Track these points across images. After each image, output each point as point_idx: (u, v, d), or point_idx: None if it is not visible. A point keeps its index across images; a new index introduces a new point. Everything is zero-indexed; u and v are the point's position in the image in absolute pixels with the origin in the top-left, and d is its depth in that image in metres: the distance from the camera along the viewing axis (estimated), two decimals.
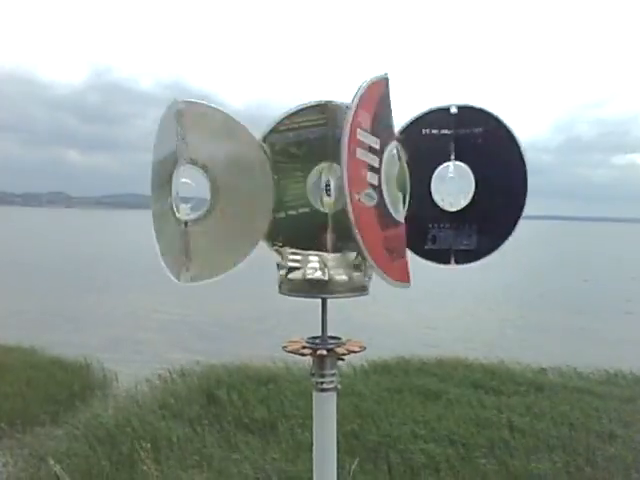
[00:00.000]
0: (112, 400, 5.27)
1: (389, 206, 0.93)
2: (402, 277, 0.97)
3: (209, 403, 4.68)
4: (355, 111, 0.86)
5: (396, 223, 0.95)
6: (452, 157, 1.08)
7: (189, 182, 0.99)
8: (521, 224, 1.09)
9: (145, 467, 2.88)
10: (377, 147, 0.90)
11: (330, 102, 0.98)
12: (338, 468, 1.05)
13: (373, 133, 0.89)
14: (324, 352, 0.98)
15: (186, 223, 1.00)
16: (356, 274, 0.95)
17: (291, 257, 0.97)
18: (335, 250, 0.98)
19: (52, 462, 1.88)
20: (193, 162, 0.99)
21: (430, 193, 1.10)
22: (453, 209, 1.10)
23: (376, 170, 0.89)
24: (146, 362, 6.73)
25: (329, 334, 1.04)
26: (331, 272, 0.94)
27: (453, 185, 1.09)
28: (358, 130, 0.86)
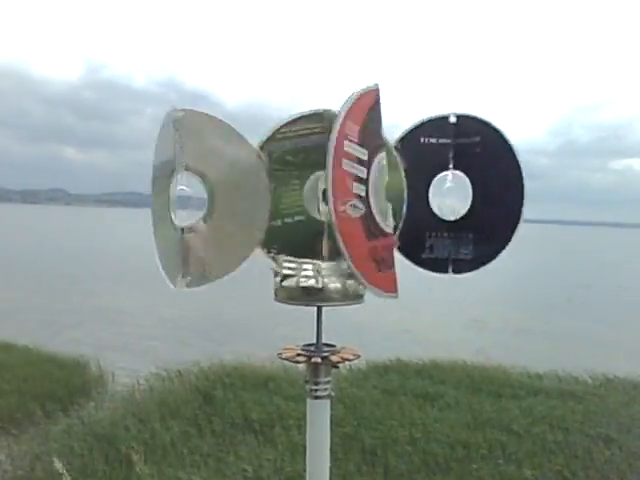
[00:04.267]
0: (109, 399, 5.28)
1: (377, 217, 0.94)
2: (390, 288, 0.97)
3: (206, 403, 4.68)
4: (342, 123, 0.88)
5: (385, 234, 0.95)
6: (451, 166, 1.08)
7: (185, 189, 1.00)
8: (519, 231, 1.09)
9: (139, 470, 2.89)
10: (365, 158, 0.91)
11: (327, 111, 0.99)
12: (331, 473, 1.05)
13: (361, 144, 0.90)
14: (318, 360, 0.99)
15: (183, 229, 1.01)
16: (350, 282, 0.96)
17: (285, 264, 0.97)
18: (330, 258, 0.99)
19: (55, 459, 1.90)
20: (190, 170, 0.99)
21: (428, 202, 1.10)
22: (451, 218, 1.10)
23: (363, 181, 0.91)
24: (143, 361, 6.73)
25: (326, 338, 1.05)
26: (325, 280, 0.95)
27: (451, 194, 1.09)
28: (345, 142, 0.88)
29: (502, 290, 16.57)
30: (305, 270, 0.96)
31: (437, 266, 1.10)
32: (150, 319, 10.23)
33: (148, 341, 8.45)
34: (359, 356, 1.02)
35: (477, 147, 1.07)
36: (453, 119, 1.07)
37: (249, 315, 10.49)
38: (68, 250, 24.98)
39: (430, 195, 1.09)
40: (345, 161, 0.88)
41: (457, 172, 1.08)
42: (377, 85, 0.92)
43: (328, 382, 1.01)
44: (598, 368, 6.35)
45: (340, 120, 0.88)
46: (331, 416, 1.04)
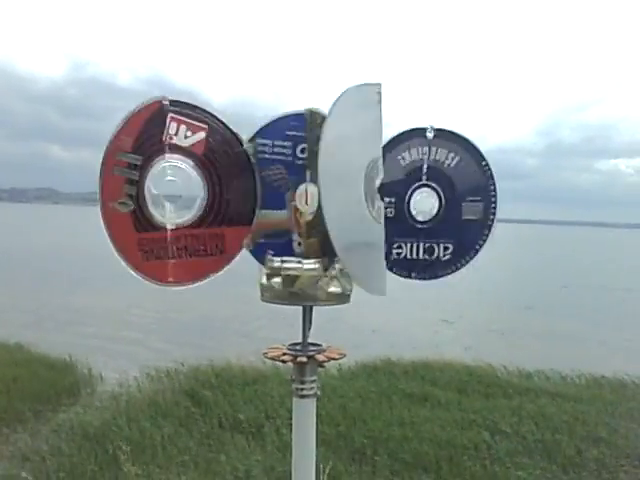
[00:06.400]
0: (98, 399, 5.25)
1: (149, 213, 1.04)
2: (157, 276, 1.06)
3: (195, 403, 4.67)
4: (116, 136, 1.02)
5: (156, 228, 1.05)
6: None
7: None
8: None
9: (125, 469, 2.88)
10: (138, 164, 1.03)
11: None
12: (318, 471, 1.06)
13: (135, 152, 1.03)
14: (304, 359, 0.99)
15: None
16: (335, 282, 0.96)
17: (269, 264, 0.97)
18: (314, 257, 0.98)
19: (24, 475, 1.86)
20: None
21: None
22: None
23: (135, 183, 1.03)
24: (132, 361, 6.70)
25: (314, 338, 1.05)
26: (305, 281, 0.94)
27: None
28: (117, 152, 1.02)
29: (489, 290, 16.58)
30: (287, 270, 0.96)
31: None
32: (137, 319, 10.15)
33: (137, 341, 8.40)
34: (344, 355, 1.03)
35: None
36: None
37: (238, 314, 10.46)
38: (55, 249, 24.76)
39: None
40: (116, 167, 1.02)
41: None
42: (161, 98, 1.01)
43: (314, 381, 1.02)
44: (586, 368, 6.40)
45: (114, 133, 1.02)
46: (321, 415, 1.04)
